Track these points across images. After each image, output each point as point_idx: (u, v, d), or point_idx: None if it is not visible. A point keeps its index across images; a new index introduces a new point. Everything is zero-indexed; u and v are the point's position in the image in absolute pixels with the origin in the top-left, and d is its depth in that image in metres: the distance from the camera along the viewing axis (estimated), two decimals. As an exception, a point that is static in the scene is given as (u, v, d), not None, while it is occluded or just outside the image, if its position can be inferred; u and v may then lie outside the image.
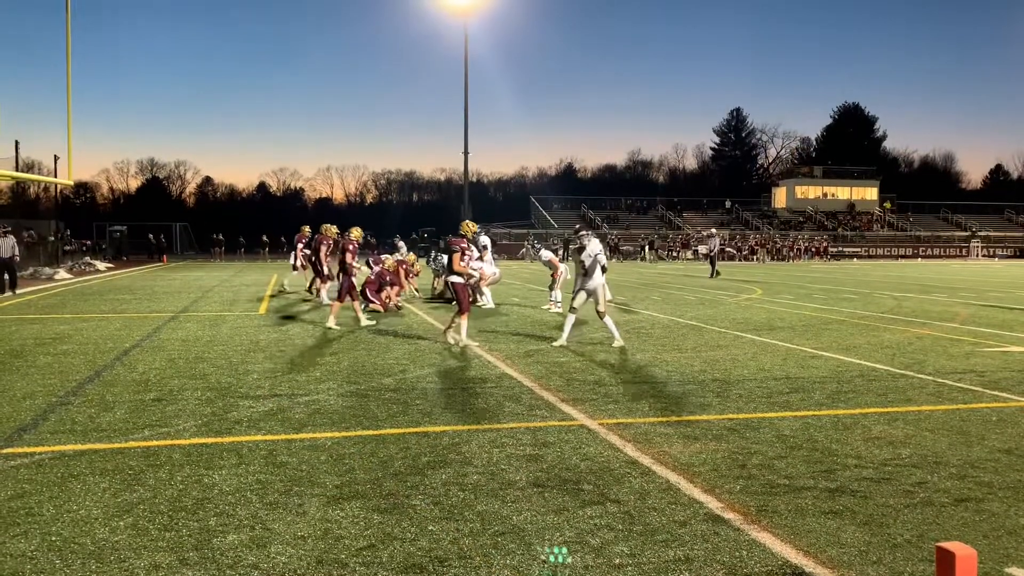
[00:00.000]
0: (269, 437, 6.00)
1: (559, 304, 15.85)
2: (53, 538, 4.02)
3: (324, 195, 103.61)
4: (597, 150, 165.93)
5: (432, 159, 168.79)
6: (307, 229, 20.94)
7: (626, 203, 74.91)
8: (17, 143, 32.00)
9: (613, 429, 6.29)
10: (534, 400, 7.37)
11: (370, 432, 6.17)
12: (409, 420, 6.56)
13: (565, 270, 16.34)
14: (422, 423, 6.46)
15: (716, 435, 6.14)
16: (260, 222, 66.77)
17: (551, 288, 16.29)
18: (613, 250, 56.31)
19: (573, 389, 7.86)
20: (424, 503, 4.57)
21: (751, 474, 5.16)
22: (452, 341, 10.82)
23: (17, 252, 20.88)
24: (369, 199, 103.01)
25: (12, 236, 21.22)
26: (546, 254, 17.26)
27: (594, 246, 10.73)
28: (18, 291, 20.30)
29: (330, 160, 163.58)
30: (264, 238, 51.50)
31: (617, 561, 3.79)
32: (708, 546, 3.98)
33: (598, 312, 10.88)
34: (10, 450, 5.61)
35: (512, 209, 78.79)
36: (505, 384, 8.14)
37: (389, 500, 4.61)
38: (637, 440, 5.95)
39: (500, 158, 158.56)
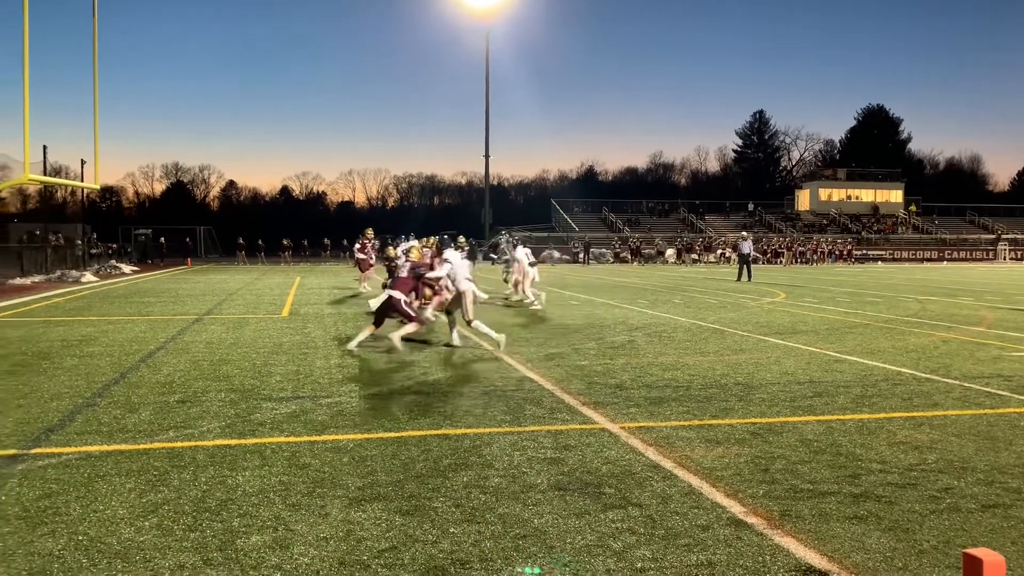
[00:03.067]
0: (292, 439, 6.04)
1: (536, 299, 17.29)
2: (80, 537, 4.07)
3: (346, 199, 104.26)
4: (618, 153, 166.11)
5: (453, 163, 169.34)
6: (370, 232, 23.57)
7: (648, 206, 74.73)
8: (45, 147, 32.41)
9: (635, 433, 6.27)
10: (555, 403, 7.36)
11: (392, 434, 6.19)
12: (431, 422, 6.58)
13: (532, 272, 18.31)
14: (443, 425, 6.47)
15: (739, 439, 6.10)
16: (283, 226, 67.25)
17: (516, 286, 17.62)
18: (634, 253, 56.16)
19: (594, 392, 7.85)
20: (445, 505, 4.57)
21: (774, 478, 5.12)
22: (457, 343, 10.97)
23: None
24: (391, 203, 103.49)
25: None
26: (520, 252, 18.35)
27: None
28: (40, 295, 20.61)
29: (352, 164, 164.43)
30: (285, 242, 51.90)
31: (639, 565, 3.77)
32: (731, 551, 3.95)
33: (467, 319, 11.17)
34: (38, 450, 5.68)
35: (533, 212, 78.82)
36: (526, 387, 8.14)
37: (411, 502, 4.63)
38: (659, 444, 5.93)
39: (521, 161, 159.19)
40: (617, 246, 58.77)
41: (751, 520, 4.38)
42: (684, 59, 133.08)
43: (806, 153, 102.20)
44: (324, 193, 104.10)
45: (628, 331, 13.04)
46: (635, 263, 54.11)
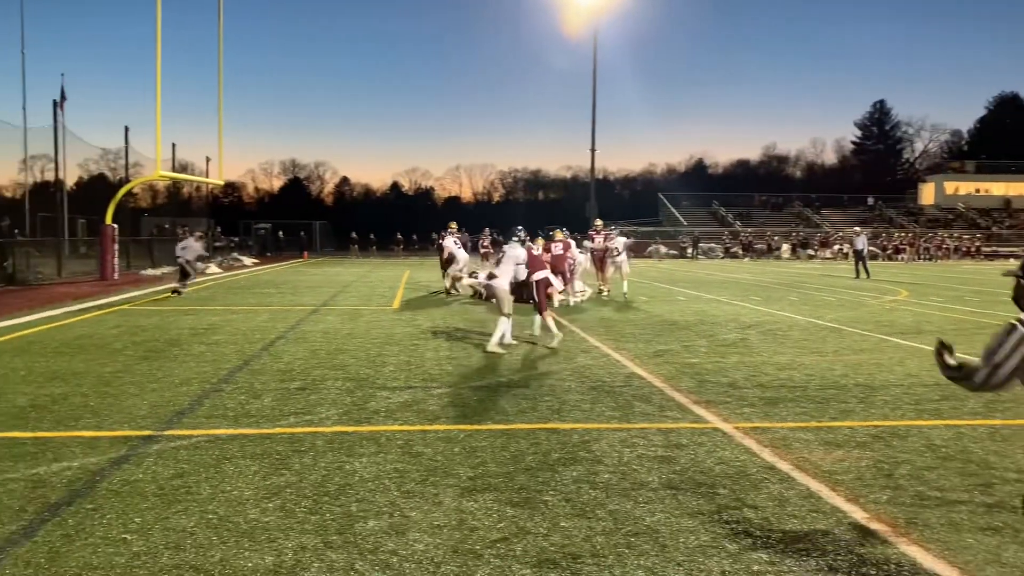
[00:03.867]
0: (405, 428, 6.19)
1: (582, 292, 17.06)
2: (210, 516, 4.29)
3: (453, 194, 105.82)
4: (729, 145, 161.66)
5: (558, 157, 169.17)
6: (454, 224, 22.22)
7: (760, 199, 72.67)
8: (174, 145, 34.29)
9: (749, 433, 6.11)
10: (664, 401, 7.26)
11: (501, 426, 6.25)
12: (538, 416, 6.60)
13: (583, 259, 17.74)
14: (551, 419, 6.49)
15: (860, 442, 5.86)
16: (393, 220, 68.84)
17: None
18: (746, 248, 54.75)
19: (706, 391, 7.69)
20: (556, 499, 4.59)
21: (899, 484, 4.90)
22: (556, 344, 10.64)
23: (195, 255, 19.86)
24: (496, 197, 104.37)
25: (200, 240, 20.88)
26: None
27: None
28: (170, 285, 21.70)
29: (459, 159, 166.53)
30: (398, 235, 53.17)
31: (756, 568, 3.68)
32: (853, 557, 3.80)
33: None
34: (171, 432, 6.02)
35: (639, 207, 77.88)
36: (634, 384, 8.06)
37: (521, 494, 4.66)
38: (775, 445, 5.77)
39: (627, 155, 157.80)
40: (727, 241, 57.42)
41: (875, 527, 4.20)
42: (800, 48, 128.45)
43: (930, 145, 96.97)
44: (432, 188, 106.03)
45: (740, 328, 12.73)
46: (746, 259, 52.74)
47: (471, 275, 16.05)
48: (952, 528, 4.19)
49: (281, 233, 56.59)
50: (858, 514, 4.39)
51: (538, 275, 10.89)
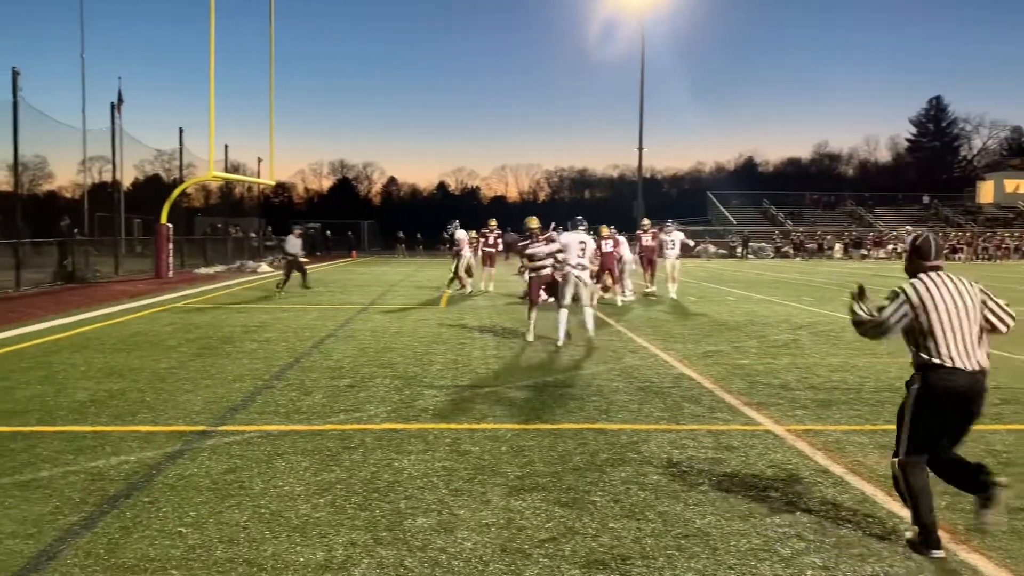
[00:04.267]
0: (452, 426, 6.21)
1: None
2: (262, 511, 4.35)
3: (499, 193, 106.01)
4: (779, 143, 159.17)
5: (604, 156, 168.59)
6: (494, 222, 22.22)
7: (811, 198, 71.43)
8: (227, 147, 35.01)
9: (801, 436, 6.00)
10: (715, 402, 7.18)
11: (548, 426, 6.23)
12: (585, 416, 6.57)
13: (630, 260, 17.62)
14: (598, 420, 6.45)
15: (916, 447, 5.71)
16: (440, 220, 69.32)
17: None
18: (797, 247, 53.86)
19: (756, 392, 7.58)
20: (604, 500, 4.56)
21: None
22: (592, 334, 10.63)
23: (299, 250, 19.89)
24: (542, 196, 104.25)
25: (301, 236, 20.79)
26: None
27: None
28: (222, 283, 22.08)
29: (505, 159, 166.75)
30: (444, 235, 53.62)
31: (809, 573, 3.61)
32: (911, 564, 3.71)
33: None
34: (224, 427, 6.13)
35: (687, 205, 77.02)
36: (683, 385, 7.98)
37: (569, 494, 4.64)
38: (828, 448, 5.66)
39: (674, 153, 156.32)
40: (778, 240, 56.55)
41: (933, 534, 4.08)
42: (851, 44, 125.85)
43: (990, 142, 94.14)
44: (478, 188, 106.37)
45: (791, 329, 12.52)
46: (797, 258, 51.90)
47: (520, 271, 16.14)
48: (1015, 535, 4.06)
49: (329, 232, 57.28)
50: (916, 520, 4.28)
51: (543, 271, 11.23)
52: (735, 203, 69.19)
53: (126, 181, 30.69)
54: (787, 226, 61.68)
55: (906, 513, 4.37)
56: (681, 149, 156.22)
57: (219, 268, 29.78)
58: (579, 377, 8.31)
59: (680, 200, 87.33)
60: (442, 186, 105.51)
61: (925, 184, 77.26)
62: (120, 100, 30.45)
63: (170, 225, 24.77)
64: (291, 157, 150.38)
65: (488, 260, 20.87)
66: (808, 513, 4.37)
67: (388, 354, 9.70)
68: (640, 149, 50.03)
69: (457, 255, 19.06)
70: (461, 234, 19.05)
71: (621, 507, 4.44)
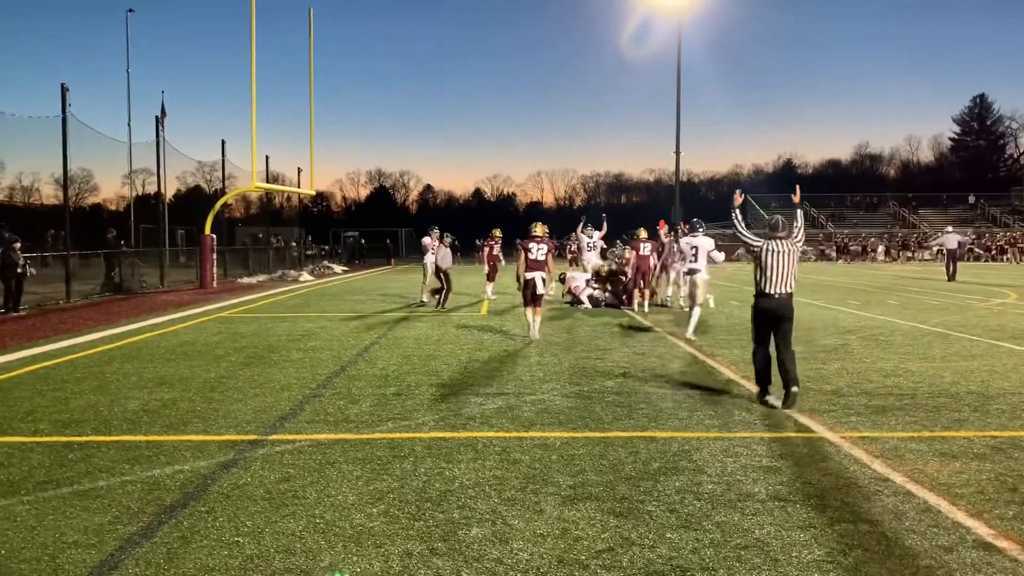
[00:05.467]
0: (501, 434, 6.18)
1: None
2: (317, 520, 4.36)
3: (535, 199, 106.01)
4: (819, 145, 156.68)
5: (640, 160, 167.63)
6: (498, 232, 21.87)
7: (853, 200, 70.30)
8: (268, 158, 35.45)
9: (857, 443, 5.88)
10: (766, 409, 7.06)
11: (597, 434, 6.18)
12: (635, 424, 6.50)
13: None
14: (648, 428, 6.38)
15: (978, 454, 5.56)
16: (476, 227, 69.44)
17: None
18: (840, 250, 53.03)
19: (809, 399, 7.44)
20: (659, 510, 4.49)
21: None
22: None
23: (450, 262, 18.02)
24: (577, 202, 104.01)
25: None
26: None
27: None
28: (265, 292, 22.31)
29: (540, 165, 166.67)
30: (478, 242, 53.67)
31: (876, 586, 3.52)
32: (982, 577, 3.60)
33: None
34: (275, 436, 6.17)
35: (725, 209, 76.39)
36: (734, 391, 7.87)
37: (623, 504, 4.59)
38: (886, 456, 5.52)
39: (712, 156, 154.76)
40: (820, 242, 55.75)
41: (1002, 544, 3.97)
42: (892, 43, 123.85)
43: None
44: (514, 194, 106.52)
45: (840, 334, 12.30)
46: (840, 261, 51.09)
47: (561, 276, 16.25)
48: (1089, 548, 3.92)
49: (363, 240, 57.72)
50: (982, 530, 4.16)
51: (529, 275, 11.76)
52: (774, 206, 68.05)
53: (169, 192, 31.18)
54: (828, 228, 60.75)
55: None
56: (718, 152, 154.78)
57: (261, 278, 30.16)
58: (626, 384, 8.24)
59: (717, 203, 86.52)
60: (478, 193, 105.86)
61: (970, 184, 75.64)
62: (163, 113, 30.98)
63: (214, 236, 25.14)
64: (329, 167, 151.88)
65: (492, 268, 20.67)
66: (870, 523, 4.26)
67: (432, 362, 9.71)
68: (677, 152, 49.66)
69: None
70: (427, 240, 17.86)
71: (677, 517, 4.38)
